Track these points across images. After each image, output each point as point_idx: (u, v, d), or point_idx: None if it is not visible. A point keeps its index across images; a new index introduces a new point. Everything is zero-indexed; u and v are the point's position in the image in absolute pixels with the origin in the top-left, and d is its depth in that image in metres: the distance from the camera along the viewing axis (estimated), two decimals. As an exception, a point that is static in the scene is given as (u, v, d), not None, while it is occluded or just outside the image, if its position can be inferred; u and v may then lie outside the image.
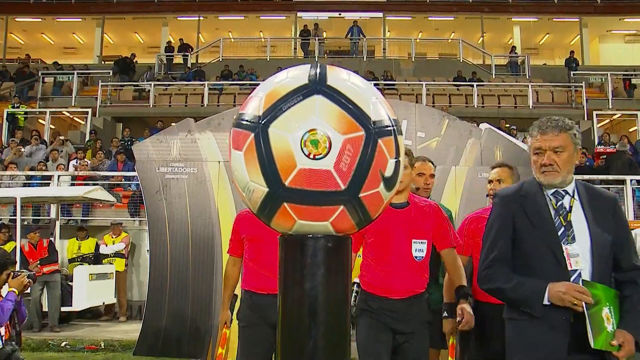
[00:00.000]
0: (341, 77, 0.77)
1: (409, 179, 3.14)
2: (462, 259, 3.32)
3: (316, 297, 0.76)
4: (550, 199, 2.40)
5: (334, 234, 0.79)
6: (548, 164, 2.35)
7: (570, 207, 2.38)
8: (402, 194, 3.08)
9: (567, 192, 2.41)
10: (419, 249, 3.03)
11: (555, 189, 2.40)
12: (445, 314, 3.35)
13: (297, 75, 0.76)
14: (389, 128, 0.83)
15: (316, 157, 0.72)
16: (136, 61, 20.35)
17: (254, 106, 0.75)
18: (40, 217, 11.31)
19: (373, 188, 0.78)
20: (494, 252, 2.42)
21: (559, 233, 2.34)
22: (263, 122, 0.74)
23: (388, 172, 0.80)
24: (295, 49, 22.24)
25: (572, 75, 19.12)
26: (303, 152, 0.72)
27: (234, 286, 3.74)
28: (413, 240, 3.03)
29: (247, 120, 0.75)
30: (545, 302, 2.24)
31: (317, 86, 0.74)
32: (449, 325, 3.34)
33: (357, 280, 3.23)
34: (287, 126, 0.72)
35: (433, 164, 3.84)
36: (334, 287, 0.79)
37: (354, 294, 3.32)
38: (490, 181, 3.57)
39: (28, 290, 5.64)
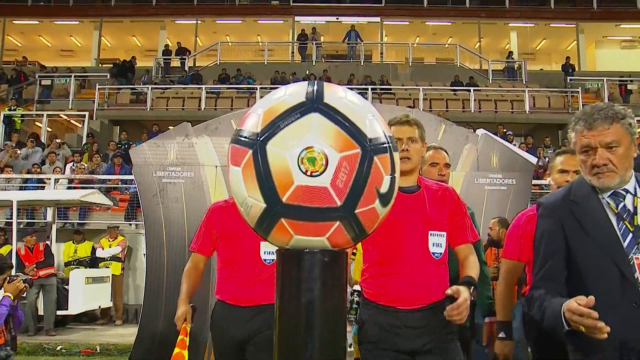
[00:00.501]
0: (338, 95, 0.78)
1: (419, 157, 2.58)
2: (516, 266, 2.89)
3: (312, 311, 0.77)
4: (608, 203, 1.97)
5: (330, 249, 0.80)
6: (601, 164, 1.93)
7: (635, 208, 1.95)
8: (411, 175, 2.51)
9: (627, 191, 1.97)
10: (437, 242, 2.44)
11: (612, 190, 1.97)
12: (502, 334, 2.85)
13: (295, 93, 0.77)
14: (384, 145, 0.85)
15: (313, 174, 0.74)
16: (135, 64, 20.34)
17: (252, 123, 0.77)
18: (37, 221, 11.29)
19: (369, 204, 0.79)
20: (540, 272, 2.02)
21: (626, 241, 1.91)
22: (261, 139, 0.75)
23: (384, 189, 0.81)
24: (292, 53, 22.27)
25: (568, 81, 19.21)
26: (300, 169, 0.74)
27: (194, 286, 3.14)
28: (430, 232, 2.43)
29: (245, 137, 0.77)
30: (565, 327, 1.78)
31: (314, 104, 0.75)
32: (504, 347, 2.84)
33: (357, 287, 2.64)
34: (285, 143, 0.74)
35: (447, 153, 3.37)
36: (330, 301, 0.80)
37: (354, 306, 2.85)
38: (563, 171, 2.85)
39: (24, 294, 5.61)
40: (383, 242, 2.41)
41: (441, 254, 2.45)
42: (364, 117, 0.78)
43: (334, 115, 0.75)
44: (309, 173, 0.75)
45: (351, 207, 0.78)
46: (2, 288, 3.79)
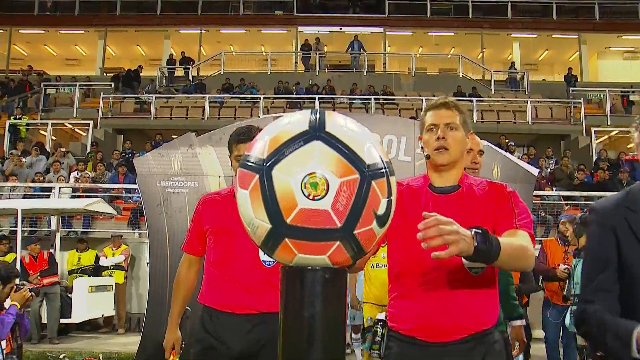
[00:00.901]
0: (338, 124, 0.85)
1: (461, 148, 2.08)
2: None
3: (314, 324, 0.83)
4: None
5: (331, 266, 0.86)
6: None
7: None
8: (449, 171, 2.06)
9: None
10: None
11: None
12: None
13: (298, 121, 0.84)
14: (381, 170, 0.91)
15: (315, 198, 0.80)
16: (140, 73, 20.46)
17: (259, 149, 0.83)
18: (40, 229, 11.35)
19: (367, 225, 0.86)
20: (592, 283, 1.81)
21: None
22: (267, 165, 0.82)
23: (380, 211, 0.88)
24: (296, 62, 22.39)
25: (571, 92, 19.26)
26: (303, 193, 0.80)
27: (187, 297, 2.83)
28: None
29: (252, 162, 0.84)
30: (635, 353, 1.57)
31: (317, 132, 0.82)
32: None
33: (381, 316, 2.22)
34: (289, 170, 0.80)
35: None
36: (331, 315, 0.86)
37: (377, 339, 2.37)
38: None
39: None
40: (413, 256, 1.93)
41: (482, 269, 1.95)
42: (363, 145, 0.85)
43: (334, 143, 0.82)
44: (311, 197, 0.81)
45: (350, 228, 0.84)
46: (9, 297, 3.84)
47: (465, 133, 2.09)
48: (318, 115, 0.84)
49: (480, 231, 1.57)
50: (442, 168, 2.05)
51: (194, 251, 2.79)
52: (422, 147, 2.12)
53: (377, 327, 2.33)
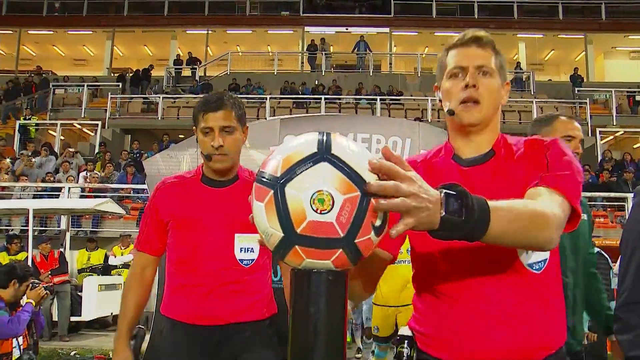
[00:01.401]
0: (342, 146, 0.99)
1: (496, 101, 1.50)
2: None
3: (319, 319, 0.98)
4: None
5: (334, 270, 1.02)
6: None
7: None
8: (483, 133, 1.50)
9: None
10: None
11: None
12: None
13: (308, 143, 0.99)
14: None
15: (322, 212, 0.94)
16: (150, 73, 20.63)
17: (273, 167, 0.99)
18: (50, 228, 11.52)
19: (366, 235, 1.00)
20: (633, 282, 1.55)
21: None
22: (281, 182, 0.96)
23: (377, 223, 1.02)
24: (302, 63, 22.51)
25: (576, 92, 19.27)
26: (312, 208, 0.94)
27: (140, 306, 2.27)
28: None
29: (267, 179, 0.99)
30: None
31: (324, 155, 0.97)
32: None
33: (406, 330, 1.56)
34: (300, 187, 0.95)
35: None
36: (334, 312, 1.01)
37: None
38: None
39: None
40: (443, 253, 1.40)
41: (544, 264, 1.39)
42: (364, 166, 1.01)
43: (339, 164, 0.96)
44: (319, 211, 0.94)
45: (352, 237, 0.98)
46: (25, 295, 3.98)
47: (500, 81, 1.52)
48: (325, 138, 1.00)
49: (453, 192, 1.08)
50: (471, 129, 1.48)
51: (152, 249, 2.26)
52: (439, 101, 1.55)
53: (404, 347, 1.63)
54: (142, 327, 2.33)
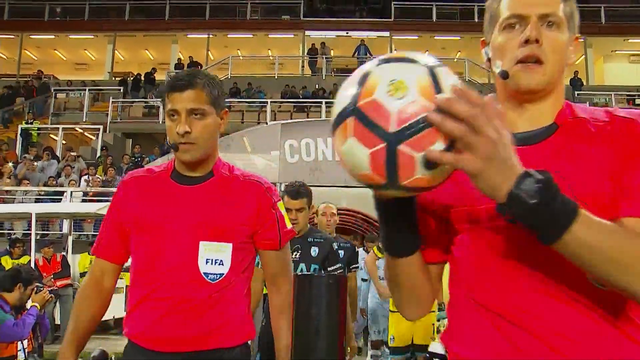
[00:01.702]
0: (447, 73, 1.00)
1: (561, 61, 1.14)
2: None
3: (320, 319, 1.04)
4: None
5: (334, 274, 1.09)
6: None
7: None
8: (545, 101, 1.15)
9: None
10: None
11: None
12: None
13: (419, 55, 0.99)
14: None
15: (391, 96, 0.89)
16: (154, 77, 20.72)
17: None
18: (51, 232, 11.58)
19: (415, 151, 0.90)
20: None
21: None
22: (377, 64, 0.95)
23: (434, 147, 0.90)
24: (303, 67, 22.61)
25: (576, 95, 19.33)
26: (384, 88, 0.89)
27: (96, 320, 1.96)
28: None
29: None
30: None
31: (426, 65, 0.96)
32: None
33: (437, 347, 1.33)
34: (387, 69, 0.93)
35: None
36: (334, 313, 1.08)
37: None
38: None
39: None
40: (488, 253, 1.10)
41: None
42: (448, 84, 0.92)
43: (435, 79, 0.92)
44: (389, 94, 0.88)
45: (399, 138, 0.87)
46: (30, 298, 4.04)
47: (570, 36, 1.15)
48: (437, 64, 0.96)
49: (541, 177, 0.87)
50: (530, 98, 1.14)
51: (113, 256, 1.94)
52: (488, 60, 1.21)
53: None
54: (104, 349, 2.01)
